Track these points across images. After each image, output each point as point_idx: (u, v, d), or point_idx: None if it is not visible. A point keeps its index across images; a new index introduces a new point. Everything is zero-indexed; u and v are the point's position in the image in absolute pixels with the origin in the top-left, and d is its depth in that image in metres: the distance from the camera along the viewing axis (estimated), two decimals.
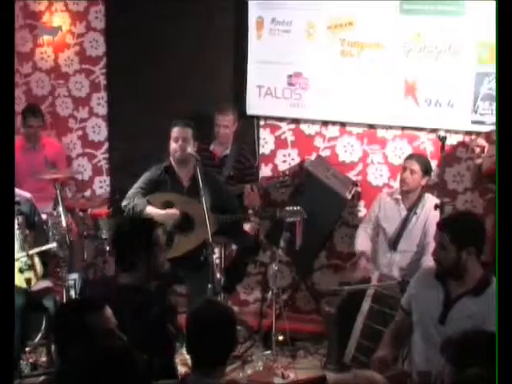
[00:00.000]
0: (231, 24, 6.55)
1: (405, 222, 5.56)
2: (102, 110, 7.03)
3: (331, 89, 6.24)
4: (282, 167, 6.49)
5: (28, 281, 5.01)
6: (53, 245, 5.25)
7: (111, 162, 7.06)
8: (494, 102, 5.78)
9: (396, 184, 6.04)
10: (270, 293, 5.61)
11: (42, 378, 4.97)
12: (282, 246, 5.51)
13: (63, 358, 3.12)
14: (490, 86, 5.79)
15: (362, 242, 5.70)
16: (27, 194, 5.36)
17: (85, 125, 7.08)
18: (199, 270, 5.11)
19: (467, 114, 5.91)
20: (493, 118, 5.74)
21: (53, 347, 5.14)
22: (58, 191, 5.67)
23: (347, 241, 6.32)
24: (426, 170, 5.54)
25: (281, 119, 6.52)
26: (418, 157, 5.67)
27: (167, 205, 5.33)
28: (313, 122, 6.43)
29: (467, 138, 6.00)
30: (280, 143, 6.55)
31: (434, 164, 5.84)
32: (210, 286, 4.82)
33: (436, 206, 5.17)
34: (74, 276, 5.76)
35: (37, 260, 5.16)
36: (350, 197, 6.03)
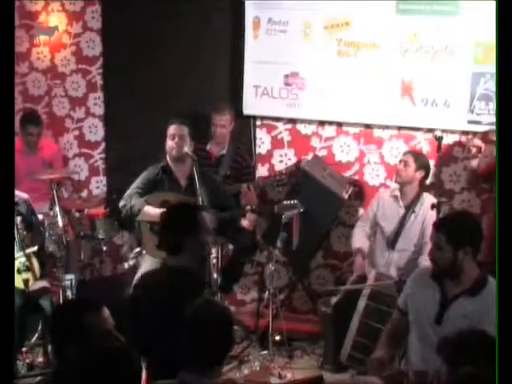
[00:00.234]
0: (228, 24, 6.55)
1: (403, 221, 5.57)
2: (99, 110, 7.03)
3: (328, 89, 6.24)
4: (279, 167, 6.49)
5: (26, 282, 5.01)
6: (34, 249, 5.21)
7: (108, 162, 7.06)
8: (490, 102, 5.79)
9: (392, 184, 6.06)
10: (267, 293, 5.61)
11: (38, 378, 4.96)
12: (279, 246, 5.52)
13: (60, 358, 3.12)
14: (486, 85, 5.80)
15: (359, 239, 5.71)
16: (24, 195, 5.36)
17: (81, 125, 7.08)
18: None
19: (463, 113, 5.92)
20: (489, 118, 5.76)
21: (49, 347, 5.14)
22: (55, 191, 5.67)
23: (344, 241, 6.33)
24: (421, 165, 5.56)
25: (277, 119, 6.52)
26: (414, 152, 5.73)
27: (165, 204, 5.32)
28: (309, 121, 6.43)
29: (464, 138, 6.01)
30: (276, 143, 6.55)
31: (429, 163, 5.84)
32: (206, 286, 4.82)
33: (433, 206, 5.18)
34: (71, 276, 5.74)
35: (34, 261, 5.15)
36: (346, 196, 6.04)
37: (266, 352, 5.59)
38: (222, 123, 6.22)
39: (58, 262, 5.61)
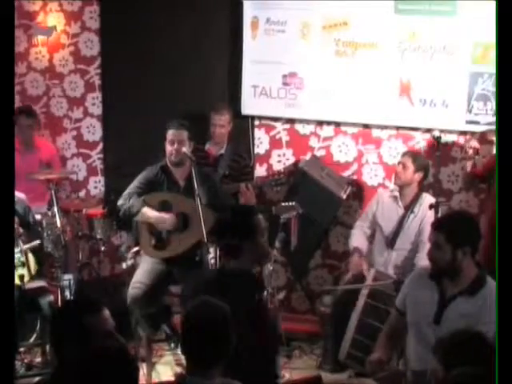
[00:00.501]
0: (226, 24, 6.55)
1: (402, 221, 5.57)
2: (97, 110, 7.02)
3: (326, 89, 6.24)
4: (277, 167, 6.49)
5: (21, 277, 5.00)
6: (36, 243, 5.21)
7: (106, 162, 7.05)
8: (488, 102, 5.80)
9: (391, 184, 6.07)
10: (266, 293, 5.61)
11: (37, 378, 4.95)
12: (277, 246, 5.52)
13: (60, 358, 3.12)
14: (484, 86, 5.81)
15: (357, 238, 5.70)
16: (21, 195, 5.35)
17: (79, 125, 7.07)
18: (194, 269, 5.11)
19: (462, 113, 5.92)
20: (487, 118, 5.77)
21: (48, 348, 5.14)
22: (53, 191, 5.67)
23: (342, 240, 6.32)
24: (419, 166, 5.56)
25: (276, 119, 6.52)
26: (412, 153, 5.71)
27: (164, 204, 5.32)
28: (308, 121, 6.43)
29: (462, 138, 6.01)
30: (275, 143, 6.55)
31: (427, 163, 5.84)
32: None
33: (431, 206, 5.18)
34: (69, 276, 5.75)
35: (30, 257, 5.14)
36: (344, 196, 6.04)
37: None
38: (221, 123, 6.22)
39: (56, 262, 5.62)
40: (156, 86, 6.70)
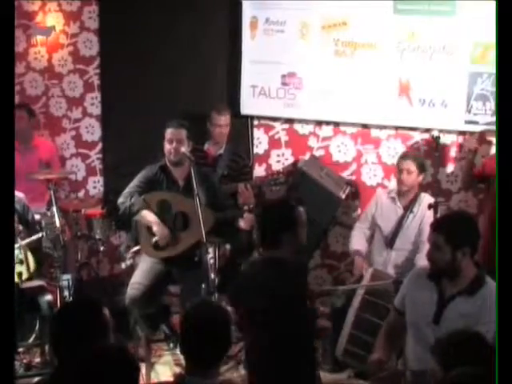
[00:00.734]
0: (225, 24, 6.55)
1: (401, 221, 5.57)
2: (96, 110, 7.02)
3: (325, 89, 6.24)
4: (276, 167, 6.50)
5: (19, 275, 5.00)
6: (38, 235, 5.22)
7: (105, 163, 7.05)
8: (487, 102, 5.80)
9: (390, 184, 6.07)
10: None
11: (36, 378, 4.94)
12: None
13: (60, 359, 3.12)
14: (483, 86, 5.81)
15: (357, 241, 5.71)
16: (20, 194, 5.35)
17: (78, 125, 7.07)
18: (193, 269, 5.11)
19: (461, 113, 5.92)
20: (486, 118, 5.77)
21: (47, 348, 5.14)
22: (52, 191, 5.66)
23: (341, 241, 6.33)
24: (422, 168, 5.57)
25: (275, 119, 6.53)
26: (413, 156, 5.67)
27: (163, 203, 5.32)
28: (306, 121, 6.43)
29: (461, 138, 6.01)
30: (274, 143, 6.55)
31: (427, 163, 5.85)
32: (203, 285, 4.82)
33: (430, 206, 5.18)
34: (68, 276, 5.75)
35: (29, 255, 5.14)
36: (343, 196, 6.04)
37: None
38: (222, 123, 6.21)
39: (55, 262, 5.61)
40: (155, 86, 6.70)
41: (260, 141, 6.58)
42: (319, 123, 6.41)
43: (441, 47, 5.90)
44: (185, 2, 6.59)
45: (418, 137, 6.15)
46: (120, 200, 5.37)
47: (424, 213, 5.45)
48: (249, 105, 6.50)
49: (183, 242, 5.28)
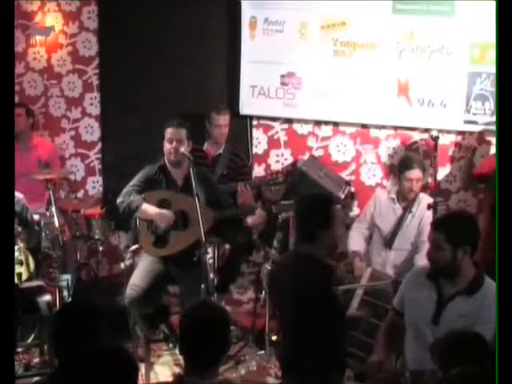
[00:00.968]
0: (224, 24, 6.55)
1: (400, 221, 5.58)
2: (95, 110, 7.02)
3: (324, 88, 6.25)
4: (275, 167, 6.49)
5: (19, 275, 5.00)
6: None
7: (104, 163, 7.05)
8: (486, 102, 5.80)
9: (389, 184, 6.07)
10: (264, 293, 5.61)
11: (35, 378, 4.95)
12: (276, 246, 5.52)
13: (59, 359, 3.12)
14: (482, 85, 5.81)
15: (355, 241, 5.71)
16: (19, 195, 5.35)
17: (78, 125, 7.07)
18: (192, 269, 5.11)
19: (460, 113, 5.93)
20: (485, 118, 5.77)
21: (46, 348, 5.14)
22: (51, 191, 5.66)
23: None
24: (425, 172, 5.59)
25: (274, 119, 6.53)
26: (417, 162, 5.62)
27: (163, 202, 5.32)
28: (306, 121, 6.43)
29: (460, 138, 6.01)
30: (273, 143, 6.55)
31: (426, 164, 5.85)
32: (203, 286, 4.82)
33: (429, 206, 5.18)
34: (67, 276, 5.74)
35: (29, 256, 5.14)
36: (343, 196, 6.04)
37: (262, 352, 5.59)
38: (221, 123, 6.21)
39: (55, 263, 5.61)
40: (154, 87, 6.71)
41: (259, 141, 6.58)
42: (318, 123, 6.41)
43: (440, 47, 5.90)
44: (184, 3, 6.59)
45: (417, 137, 6.15)
46: (119, 200, 5.36)
47: (423, 213, 5.46)
48: (248, 105, 6.51)
49: (183, 240, 5.28)
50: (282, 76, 6.36)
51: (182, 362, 3.26)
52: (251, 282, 6.60)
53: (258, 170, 6.57)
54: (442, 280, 3.82)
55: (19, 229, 5.11)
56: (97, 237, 6.25)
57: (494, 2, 4.27)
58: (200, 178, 5.27)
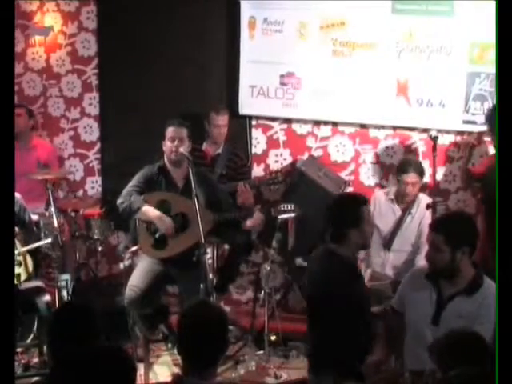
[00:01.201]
0: (223, 24, 6.54)
1: (399, 222, 5.58)
2: (94, 110, 7.02)
3: (323, 88, 6.25)
4: (274, 167, 6.49)
5: (18, 276, 4.99)
6: (46, 241, 5.23)
7: (103, 163, 7.05)
8: (485, 102, 5.81)
9: (388, 184, 6.07)
10: (263, 293, 5.61)
11: (34, 378, 4.94)
12: (275, 246, 5.52)
13: (57, 359, 3.12)
14: (481, 86, 5.82)
15: None
16: (17, 195, 5.34)
17: (77, 125, 7.07)
18: (192, 270, 5.10)
19: (459, 113, 5.93)
20: (484, 118, 5.76)
21: (45, 348, 5.13)
22: (50, 192, 5.66)
23: None
24: (423, 174, 5.57)
25: (273, 119, 6.52)
26: (414, 166, 5.59)
27: (163, 204, 5.31)
28: (305, 121, 6.43)
29: (459, 138, 6.02)
30: (272, 143, 6.55)
31: (425, 164, 5.85)
32: (202, 286, 4.82)
33: (428, 206, 5.18)
34: (66, 277, 5.74)
35: (28, 256, 5.14)
36: None
37: (261, 352, 5.59)
38: (220, 123, 6.21)
39: (54, 263, 5.60)
40: (153, 86, 6.70)
41: (258, 141, 6.58)
42: (317, 123, 6.41)
43: (439, 47, 5.90)
44: (183, 3, 6.59)
45: (416, 137, 6.15)
46: (119, 200, 5.35)
47: (423, 214, 5.46)
48: (247, 105, 6.50)
49: (183, 242, 5.27)
50: (281, 76, 6.36)
51: (181, 362, 3.25)
52: (250, 282, 6.59)
53: (258, 170, 6.57)
54: (441, 280, 3.82)
55: (16, 229, 5.11)
56: (96, 237, 6.25)
57: (494, 2, 4.29)
58: (200, 178, 5.26)
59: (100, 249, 6.34)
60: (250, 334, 5.85)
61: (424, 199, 5.55)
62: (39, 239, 5.46)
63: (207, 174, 5.70)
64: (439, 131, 5.86)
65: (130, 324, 5.29)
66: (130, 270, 5.53)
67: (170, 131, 5.34)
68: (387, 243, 5.58)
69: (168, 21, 6.60)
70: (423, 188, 5.75)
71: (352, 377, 3.86)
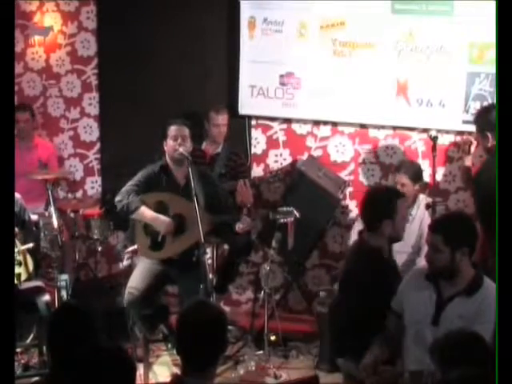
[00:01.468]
0: (223, 24, 6.55)
1: None
2: (94, 110, 7.02)
3: (323, 88, 6.24)
4: (274, 167, 6.49)
5: (18, 276, 4.99)
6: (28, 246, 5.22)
7: (103, 163, 7.05)
8: (485, 102, 5.80)
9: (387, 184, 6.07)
10: (262, 293, 5.61)
11: (34, 379, 4.94)
12: (274, 246, 5.52)
13: (57, 359, 3.12)
14: (481, 86, 5.82)
15: None
16: (17, 194, 5.34)
17: (76, 125, 7.07)
18: (191, 270, 5.11)
19: (458, 113, 5.93)
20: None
21: (45, 348, 5.13)
22: (50, 192, 5.66)
23: (339, 240, 6.33)
24: (416, 177, 5.53)
25: (273, 119, 6.53)
26: (406, 167, 5.60)
27: (159, 205, 5.30)
28: (305, 121, 6.43)
29: (458, 138, 6.02)
30: (272, 143, 6.55)
31: (425, 164, 5.85)
32: (201, 286, 4.82)
33: (428, 206, 5.18)
34: (66, 277, 5.74)
35: (28, 256, 5.14)
36: (341, 196, 6.04)
37: (261, 352, 5.59)
38: (220, 123, 6.22)
39: (53, 263, 5.61)
40: (153, 86, 6.70)
41: (258, 141, 6.58)
42: (317, 123, 6.41)
43: (438, 47, 5.90)
44: (183, 2, 6.59)
45: (415, 137, 6.15)
46: (117, 198, 5.33)
47: (423, 215, 5.45)
48: (247, 104, 6.50)
49: (181, 244, 5.26)
50: (281, 76, 6.36)
51: (180, 362, 3.25)
52: (250, 282, 6.59)
53: (257, 170, 6.57)
54: (441, 281, 3.82)
55: (16, 229, 5.11)
56: (95, 237, 6.25)
57: (494, 2, 4.29)
58: (201, 176, 5.27)
59: (99, 249, 6.35)
60: (250, 334, 5.86)
61: (424, 200, 5.54)
62: (39, 239, 5.46)
63: (208, 171, 5.70)
64: (439, 131, 5.85)
65: (130, 324, 5.28)
66: (129, 269, 5.54)
67: (172, 130, 5.33)
68: None
69: (168, 21, 6.60)
70: (423, 189, 5.74)
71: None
